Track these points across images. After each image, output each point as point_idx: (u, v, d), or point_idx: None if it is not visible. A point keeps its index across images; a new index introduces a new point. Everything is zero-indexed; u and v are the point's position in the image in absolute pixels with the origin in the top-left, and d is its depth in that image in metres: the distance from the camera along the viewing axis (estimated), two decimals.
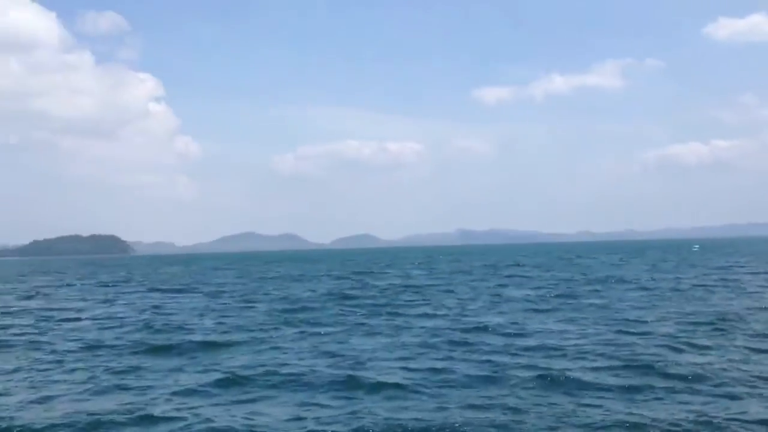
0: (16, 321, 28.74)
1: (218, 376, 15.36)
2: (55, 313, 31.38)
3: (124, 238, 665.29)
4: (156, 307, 34.60)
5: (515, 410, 12.00)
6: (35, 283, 63.50)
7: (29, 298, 42.61)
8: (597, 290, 37.18)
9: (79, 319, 28.62)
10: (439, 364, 16.18)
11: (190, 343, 20.41)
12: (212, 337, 21.69)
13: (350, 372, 15.16)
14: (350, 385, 14.01)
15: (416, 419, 11.50)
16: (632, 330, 21.31)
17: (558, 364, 15.87)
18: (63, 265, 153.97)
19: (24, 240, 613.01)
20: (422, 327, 23.15)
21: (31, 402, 13.48)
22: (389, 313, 28.01)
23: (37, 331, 24.94)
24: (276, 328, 23.85)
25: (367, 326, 23.87)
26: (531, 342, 19.46)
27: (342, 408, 12.40)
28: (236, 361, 17.35)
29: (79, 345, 20.91)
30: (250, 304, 34.02)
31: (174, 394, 13.87)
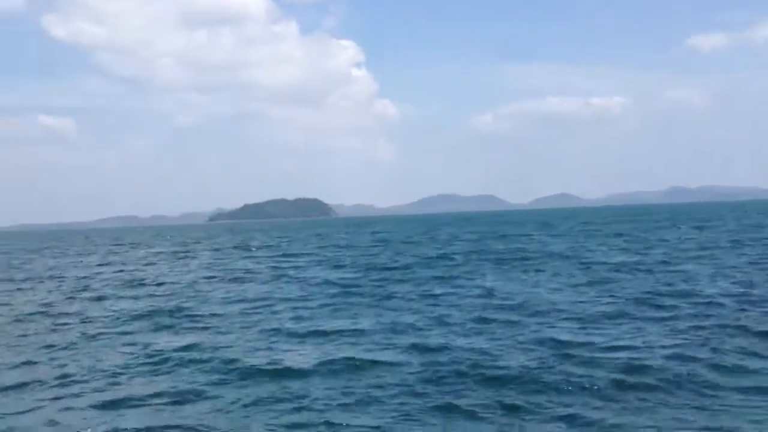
0: (95, 285, 31.22)
1: (149, 353, 15.41)
2: (144, 279, 33.59)
3: (326, 201, 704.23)
4: (248, 271, 36.38)
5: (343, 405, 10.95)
6: (195, 248, 68.48)
7: (150, 264, 45.89)
8: (709, 255, 33.74)
9: (143, 285, 30.52)
10: (362, 347, 15.15)
11: (186, 315, 20.81)
12: (216, 309, 21.99)
13: (251, 358, 14.51)
14: (230, 368, 13.44)
15: (211, 414, 10.87)
16: (647, 301, 20.00)
17: (472, 343, 14.52)
18: (254, 228, 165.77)
19: (237, 204, 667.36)
20: (433, 303, 21.83)
21: None
22: (443, 283, 27.32)
23: (96, 296, 26.81)
24: (308, 299, 23.69)
25: (389, 300, 23.00)
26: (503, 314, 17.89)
27: (178, 390, 12.01)
28: (195, 336, 17.30)
29: (103, 314, 22.03)
30: (332, 272, 34.39)
31: (90, 370, 14.00)
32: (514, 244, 53.06)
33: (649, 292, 21.57)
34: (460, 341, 15.38)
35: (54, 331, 19.12)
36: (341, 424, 9.88)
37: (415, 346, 14.91)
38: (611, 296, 21.32)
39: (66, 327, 19.60)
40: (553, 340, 14.90)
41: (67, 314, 22.15)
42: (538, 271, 30.84)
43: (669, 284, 23.43)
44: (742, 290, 21.17)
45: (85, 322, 20.32)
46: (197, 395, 11.76)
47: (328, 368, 13.22)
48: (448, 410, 10.32)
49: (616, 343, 14.37)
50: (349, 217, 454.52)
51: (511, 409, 10.18)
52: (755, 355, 13.06)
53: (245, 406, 11.09)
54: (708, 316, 17.06)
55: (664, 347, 13.75)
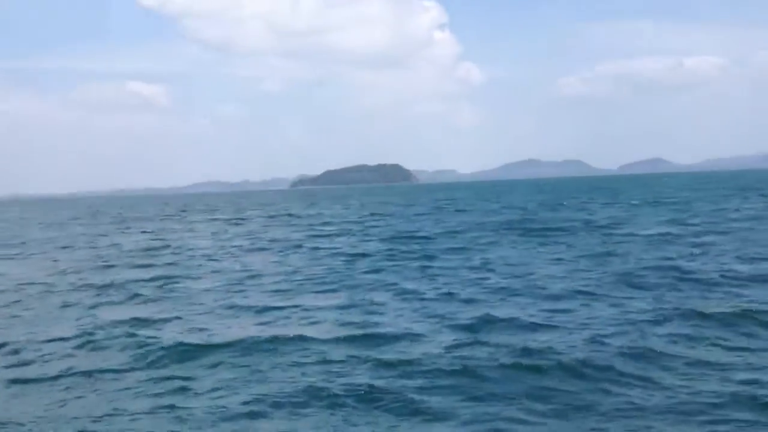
0: (121, 251, 32.43)
1: (96, 324, 15.82)
2: (170, 246, 34.59)
3: (408, 167, 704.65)
4: (274, 240, 37.17)
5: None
6: (251, 215, 69.92)
7: (192, 231, 47.36)
8: (747, 228, 32.25)
9: (164, 253, 31.53)
10: (303, 324, 15.12)
11: (167, 287, 21.24)
12: (204, 280, 22.47)
13: (181, 334, 14.53)
14: (150, 344, 13.48)
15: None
16: (630, 276, 19.38)
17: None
18: (328, 195, 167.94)
19: (320, 169, 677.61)
20: (419, 277, 21.62)
21: None
22: (452, 254, 27.14)
23: (108, 264, 27.79)
24: (301, 272, 23.75)
25: (381, 272, 22.89)
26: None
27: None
28: (153, 309, 17.55)
29: (98, 282, 22.62)
30: (353, 242, 34.66)
31: (29, 342, 14.37)
32: (562, 213, 52.12)
33: (641, 268, 20.72)
34: (402, 320, 15.15)
35: (38, 299, 19.88)
36: (199, 407, 9.89)
37: (351, 324, 14.81)
38: (599, 272, 20.59)
39: (50, 295, 20.33)
40: (490, 318, 14.51)
41: (65, 282, 22.97)
42: (556, 243, 30.08)
43: (669, 258, 22.48)
44: (738, 267, 20.09)
45: (72, 291, 21.05)
46: (100, 374, 11.77)
47: (248, 345, 13.20)
48: (315, 392, 10.20)
49: (549, 323, 13.93)
50: (429, 183, 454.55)
51: (375, 394, 9.95)
52: (685, 339, 12.36)
53: (135, 385, 11.20)
54: (673, 296, 16.27)
55: (592, 329, 13.18)
